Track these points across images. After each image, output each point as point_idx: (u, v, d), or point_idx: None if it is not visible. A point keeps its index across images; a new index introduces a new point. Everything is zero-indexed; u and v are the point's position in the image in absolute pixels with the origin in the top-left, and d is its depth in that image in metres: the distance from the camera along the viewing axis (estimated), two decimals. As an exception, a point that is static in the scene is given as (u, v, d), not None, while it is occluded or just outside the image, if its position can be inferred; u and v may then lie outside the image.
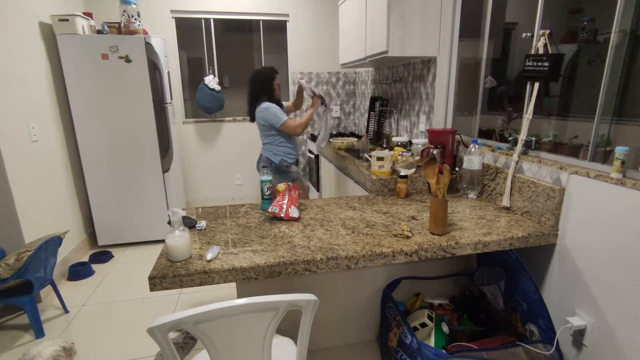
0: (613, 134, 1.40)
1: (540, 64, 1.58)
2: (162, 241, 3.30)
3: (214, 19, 4.01)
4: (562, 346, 1.53)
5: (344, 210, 1.77)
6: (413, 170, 2.11)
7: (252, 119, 2.69)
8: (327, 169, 3.46)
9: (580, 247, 1.41)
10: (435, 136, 2.17)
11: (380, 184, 2.06)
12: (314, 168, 3.98)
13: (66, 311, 2.35)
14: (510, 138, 1.83)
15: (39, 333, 2.11)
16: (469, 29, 2.22)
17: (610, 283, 1.30)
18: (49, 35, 2.84)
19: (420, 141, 2.41)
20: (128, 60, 2.96)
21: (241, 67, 4.31)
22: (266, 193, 1.73)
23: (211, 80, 3.85)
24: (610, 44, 1.37)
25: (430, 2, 2.30)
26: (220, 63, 4.17)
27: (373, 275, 1.86)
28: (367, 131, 3.61)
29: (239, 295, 1.71)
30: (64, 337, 2.11)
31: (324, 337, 1.90)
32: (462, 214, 1.70)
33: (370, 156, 2.29)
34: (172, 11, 3.84)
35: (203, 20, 4.01)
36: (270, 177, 1.72)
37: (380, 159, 2.07)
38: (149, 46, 2.98)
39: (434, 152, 2.16)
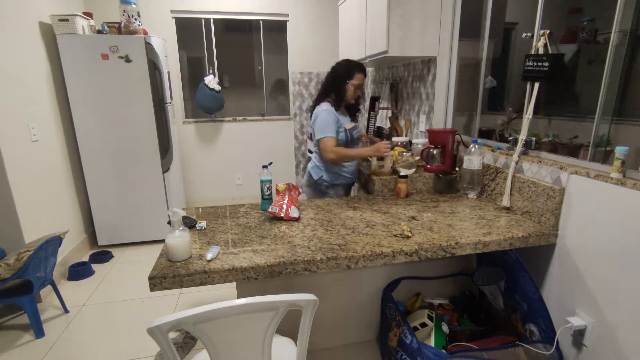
0: (613, 134, 1.40)
1: (540, 64, 1.58)
2: (162, 241, 3.29)
3: (214, 19, 4.01)
4: (562, 346, 1.53)
5: (344, 210, 1.77)
6: (413, 170, 2.11)
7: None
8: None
9: (580, 247, 1.41)
10: (435, 136, 2.17)
11: (381, 184, 2.06)
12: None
13: (66, 311, 2.35)
14: (510, 138, 1.82)
15: (39, 333, 2.11)
16: (469, 29, 2.22)
17: (611, 283, 1.30)
18: (49, 35, 2.84)
19: (420, 141, 2.41)
20: (128, 60, 2.96)
21: (241, 67, 4.31)
22: (266, 193, 1.72)
23: (211, 80, 3.85)
24: (610, 44, 1.37)
25: (430, 2, 2.30)
26: (220, 63, 4.17)
27: (373, 275, 1.86)
28: (367, 131, 3.61)
29: (239, 295, 1.71)
30: (64, 337, 2.11)
31: (324, 337, 1.90)
32: (462, 214, 1.70)
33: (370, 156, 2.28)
34: (172, 11, 3.84)
35: (203, 20, 4.01)
36: (270, 177, 1.70)
37: (380, 159, 2.07)
38: (149, 46, 2.98)
39: (434, 152, 2.16)
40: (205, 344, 0.96)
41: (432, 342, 1.57)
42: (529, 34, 1.70)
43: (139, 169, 3.19)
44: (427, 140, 2.29)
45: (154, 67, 3.05)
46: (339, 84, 2.10)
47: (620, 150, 1.25)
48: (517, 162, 1.72)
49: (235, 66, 4.28)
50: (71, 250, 2.92)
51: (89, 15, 3.02)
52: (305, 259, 1.27)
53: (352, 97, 2.15)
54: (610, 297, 1.30)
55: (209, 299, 2.49)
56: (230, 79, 4.30)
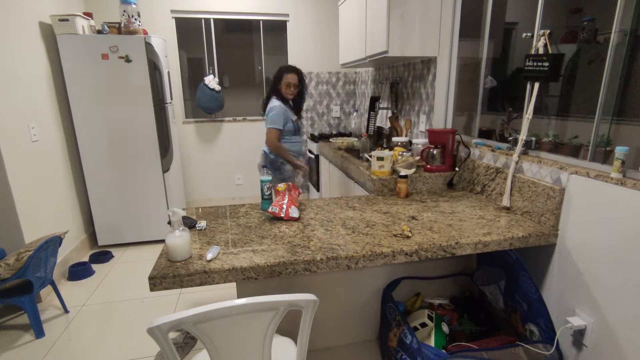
0: (613, 134, 1.40)
1: (540, 64, 1.58)
2: (162, 241, 3.30)
3: (214, 19, 4.01)
4: (562, 346, 1.53)
5: (344, 210, 1.77)
6: (413, 170, 2.11)
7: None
8: (327, 169, 3.46)
9: (580, 247, 1.41)
10: (435, 136, 2.17)
11: (381, 184, 2.06)
12: (314, 168, 3.98)
13: (66, 311, 2.35)
14: (510, 138, 1.82)
15: (39, 333, 2.11)
16: (469, 29, 2.22)
17: (611, 283, 1.30)
18: (49, 35, 2.84)
19: (420, 141, 2.41)
20: (128, 60, 2.96)
21: (241, 67, 4.31)
22: (266, 193, 1.73)
23: (211, 80, 3.85)
24: (610, 44, 1.37)
25: (430, 2, 2.30)
26: (220, 63, 4.17)
27: (373, 275, 1.86)
28: (367, 131, 3.61)
29: (239, 295, 1.71)
30: (64, 337, 2.11)
31: (324, 337, 1.90)
32: (462, 214, 1.70)
33: (370, 156, 2.29)
34: (172, 11, 3.84)
35: (203, 20, 4.01)
36: (270, 177, 1.72)
37: (380, 159, 2.07)
38: (149, 46, 2.98)
39: (434, 152, 2.16)
40: (205, 344, 0.96)
41: (432, 342, 1.57)
42: (529, 34, 1.70)
43: (139, 169, 3.19)
44: (427, 140, 2.29)
45: (154, 67, 3.05)
46: (275, 84, 2.62)
47: (620, 150, 1.25)
48: (517, 162, 1.72)
49: (235, 66, 4.28)
50: (71, 250, 2.92)
51: (89, 15, 3.02)
52: (305, 259, 1.27)
53: (287, 94, 2.59)
54: (610, 297, 1.30)
55: (209, 299, 2.49)
56: (230, 79, 4.30)
